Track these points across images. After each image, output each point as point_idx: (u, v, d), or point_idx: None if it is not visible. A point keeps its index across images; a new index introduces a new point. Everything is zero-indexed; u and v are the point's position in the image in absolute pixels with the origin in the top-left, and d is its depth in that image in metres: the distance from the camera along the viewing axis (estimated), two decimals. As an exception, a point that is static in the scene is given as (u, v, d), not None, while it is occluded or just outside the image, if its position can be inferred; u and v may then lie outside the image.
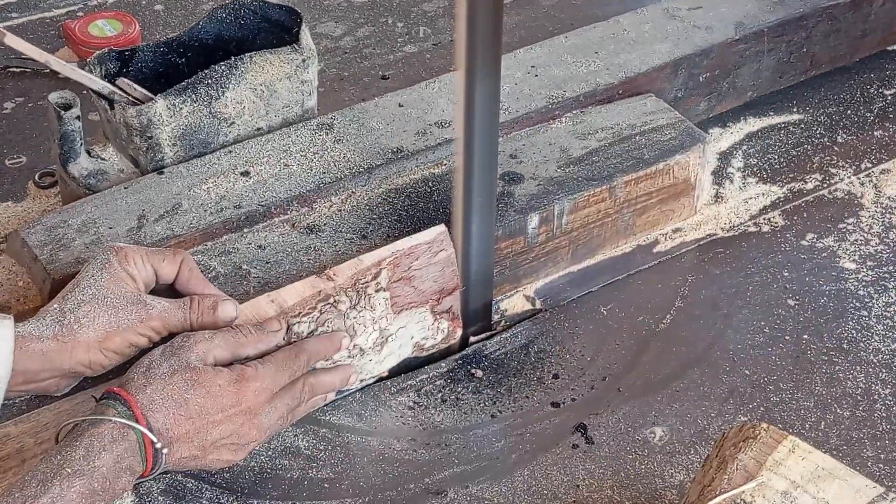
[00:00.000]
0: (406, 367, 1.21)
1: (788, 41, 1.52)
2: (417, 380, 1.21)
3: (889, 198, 1.43)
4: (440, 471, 1.14)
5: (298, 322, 1.09)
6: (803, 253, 1.36)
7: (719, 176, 1.45)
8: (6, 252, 1.27)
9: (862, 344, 1.26)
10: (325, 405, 1.17)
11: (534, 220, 1.26)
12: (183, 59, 1.33)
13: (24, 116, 1.51)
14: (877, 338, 1.27)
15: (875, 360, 1.24)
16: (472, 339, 1.25)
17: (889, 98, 1.57)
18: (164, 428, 0.98)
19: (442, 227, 1.17)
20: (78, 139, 1.27)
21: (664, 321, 1.29)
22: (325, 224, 1.25)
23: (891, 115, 1.54)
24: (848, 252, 1.36)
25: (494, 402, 1.20)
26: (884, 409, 1.19)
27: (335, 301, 1.11)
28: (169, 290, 1.09)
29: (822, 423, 1.18)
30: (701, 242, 1.38)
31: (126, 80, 1.27)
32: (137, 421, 0.97)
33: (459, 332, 1.22)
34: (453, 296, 1.18)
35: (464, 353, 1.24)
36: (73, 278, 1.05)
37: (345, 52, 1.63)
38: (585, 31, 1.49)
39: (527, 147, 1.34)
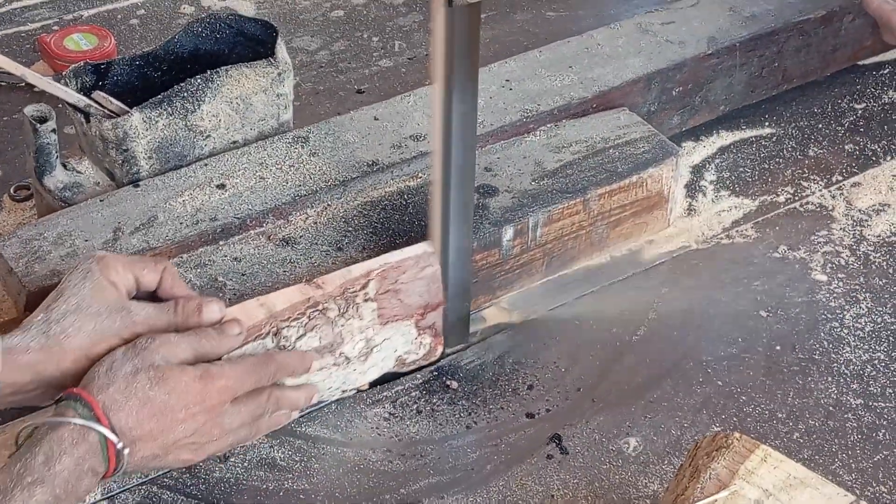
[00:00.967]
0: (382, 380, 1.21)
1: (760, 56, 1.53)
2: (393, 391, 1.22)
3: (860, 210, 1.45)
4: (416, 482, 1.14)
5: (287, 326, 1.09)
6: (775, 265, 1.38)
7: (692, 189, 1.47)
8: (-19, 265, 1.27)
9: (833, 355, 1.27)
10: (301, 416, 1.18)
11: (508, 233, 1.27)
12: (159, 73, 1.33)
13: (0, 130, 1.51)
14: (848, 349, 1.28)
15: (846, 371, 1.26)
16: (447, 350, 1.26)
17: (860, 112, 1.59)
18: (127, 427, 0.97)
19: (430, 244, 1.18)
20: (53, 152, 1.27)
21: (638, 332, 1.30)
22: (300, 236, 1.26)
23: (861, 129, 1.56)
24: (819, 264, 1.38)
25: (470, 413, 1.21)
26: (855, 420, 1.21)
27: (324, 308, 1.11)
28: (151, 298, 1.09)
29: (795, 433, 1.19)
30: (674, 255, 1.39)
31: (102, 93, 1.28)
32: (99, 421, 0.96)
33: (440, 349, 1.22)
34: (437, 312, 1.19)
35: (439, 364, 1.25)
36: (56, 288, 1.05)
37: (320, 67, 1.64)
38: (559, 45, 1.50)
39: (501, 160, 1.35)
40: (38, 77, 1.27)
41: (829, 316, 1.32)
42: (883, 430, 1.20)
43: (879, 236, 1.41)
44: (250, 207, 1.26)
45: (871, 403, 1.22)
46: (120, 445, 0.96)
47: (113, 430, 0.96)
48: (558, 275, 1.35)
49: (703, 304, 1.33)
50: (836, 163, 1.51)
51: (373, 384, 1.21)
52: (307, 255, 1.23)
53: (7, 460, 0.94)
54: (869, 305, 1.33)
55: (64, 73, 1.29)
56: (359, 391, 1.21)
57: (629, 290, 1.34)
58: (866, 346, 1.28)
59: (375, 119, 1.38)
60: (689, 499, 0.98)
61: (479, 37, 1.09)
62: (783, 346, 1.28)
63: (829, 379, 1.25)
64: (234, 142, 1.34)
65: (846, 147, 1.54)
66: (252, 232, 1.26)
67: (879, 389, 1.24)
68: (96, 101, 1.27)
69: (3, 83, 1.57)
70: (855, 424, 1.20)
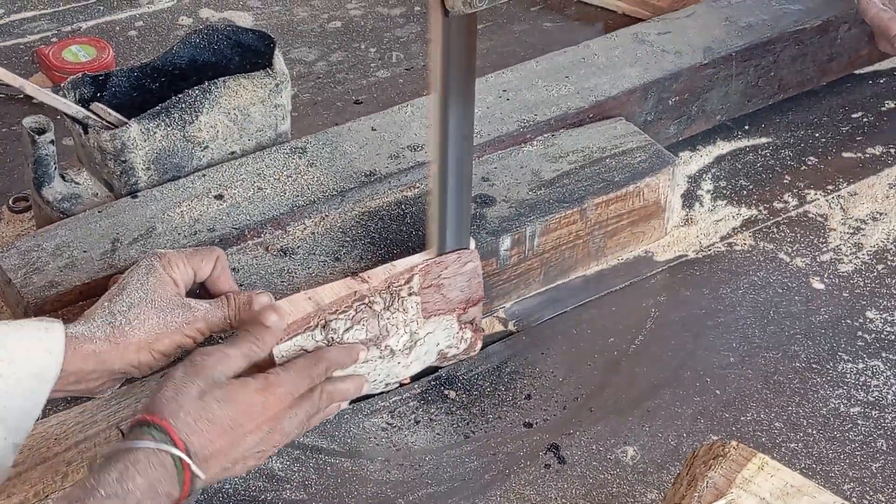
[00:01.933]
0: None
1: (756, 65, 1.54)
2: (391, 401, 1.22)
3: (857, 219, 1.45)
4: (413, 491, 1.14)
5: (335, 319, 1.12)
6: (773, 274, 1.38)
7: (689, 198, 1.47)
8: (-21, 276, 1.27)
9: (831, 363, 1.28)
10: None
11: (506, 242, 1.27)
12: (157, 84, 1.34)
13: (-2, 141, 1.52)
14: (845, 357, 1.28)
15: (844, 380, 1.26)
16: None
17: (856, 121, 1.59)
18: (201, 448, 0.99)
19: (471, 240, 1.21)
20: (52, 163, 1.28)
21: (635, 342, 1.30)
22: (298, 247, 1.26)
23: (858, 138, 1.57)
24: (817, 272, 1.38)
25: (467, 423, 1.21)
26: (852, 428, 1.21)
27: (370, 301, 1.14)
28: (200, 288, 1.13)
29: (793, 441, 1.19)
30: (671, 264, 1.39)
31: (100, 104, 1.28)
32: (176, 446, 0.97)
33: (480, 344, 1.24)
34: (477, 307, 1.22)
35: (437, 374, 1.25)
36: (117, 282, 1.08)
37: (318, 77, 1.64)
38: (556, 55, 1.50)
39: (499, 170, 1.36)
40: (36, 88, 1.27)
41: (826, 324, 1.32)
42: (881, 439, 1.20)
43: (876, 245, 1.42)
44: (248, 218, 1.27)
45: (869, 412, 1.22)
46: (195, 468, 0.98)
47: (188, 454, 0.98)
48: (556, 284, 1.35)
49: (700, 313, 1.33)
50: (832, 171, 1.52)
51: (413, 378, 1.23)
52: (305, 265, 1.24)
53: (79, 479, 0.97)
54: (866, 314, 1.33)
55: (63, 84, 1.29)
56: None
57: (627, 299, 1.35)
58: (864, 355, 1.28)
59: (373, 129, 1.38)
60: (687, 507, 0.98)
61: (475, 46, 1.10)
62: (781, 354, 1.28)
63: (828, 387, 1.25)
64: (232, 152, 1.34)
65: (843, 156, 1.54)
66: (250, 242, 1.26)
67: (877, 398, 1.24)
68: (94, 113, 1.27)
69: (1, 95, 1.57)
70: (852, 433, 1.20)
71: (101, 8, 1.74)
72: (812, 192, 1.49)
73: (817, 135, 1.57)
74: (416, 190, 1.32)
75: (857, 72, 1.66)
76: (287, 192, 1.30)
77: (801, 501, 0.98)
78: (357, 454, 1.17)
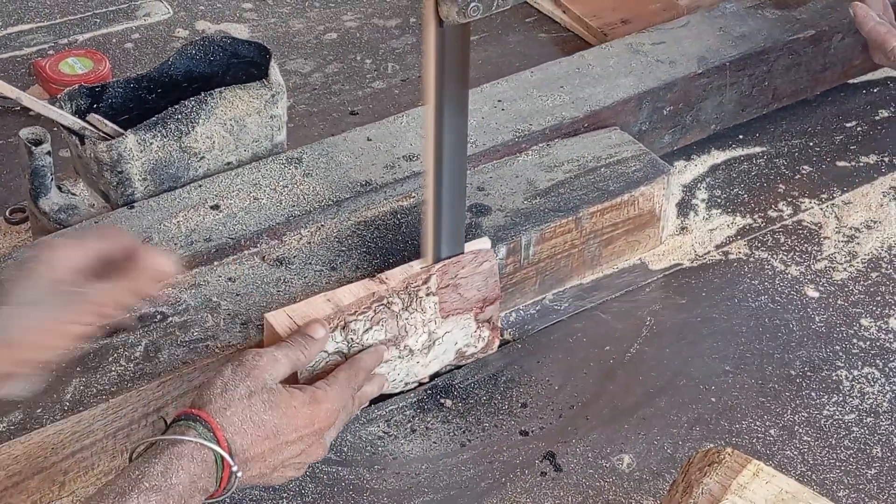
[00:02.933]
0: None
1: (750, 75, 1.54)
2: (387, 410, 1.22)
3: (851, 227, 1.46)
4: (410, 500, 1.14)
5: (355, 320, 1.14)
6: (767, 282, 1.38)
7: (684, 207, 1.47)
8: (-24, 287, 1.27)
9: (826, 371, 1.28)
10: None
11: (501, 252, 1.28)
12: (153, 95, 1.34)
13: (-5, 153, 1.52)
14: (840, 364, 1.29)
15: (840, 387, 1.26)
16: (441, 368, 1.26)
17: (849, 130, 1.60)
18: (242, 449, 1.01)
19: (487, 240, 1.23)
20: (48, 174, 1.28)
21: (631, 350, 1.30)
22: (294, 256, 1.26)
23: (852, 147, 1.57)
24: (811, 281, 1.39)
25: (464, 432, 1.21)
26: (847, 435, 1.21)
27: (388, 302, 1.16)
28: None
29: (787, 448, 1.20)
30: (667, 272, 1.39)
31: (96, 115, 1.29)
32: (219, 443, 0.99)
33: (497, 342, 1.26)
34: (494, 306, 1.23)
35: (433, 383, 1.25)
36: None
37: (314, 89, 1.65)
38: (551, 65, 1.51)
39: (494, 179, 1.36)
40: (33, 100, 1.27)
41: (821, 332, 1.32)
42: (876, 446, 1.20)
43: (870, 253, 1.42)
44: (244, 228, 1.27)
45: (864, 419, 1.23)
46: (235, 468, 0.99)
47: (230, 453, 0.99)
48: (551, 293, 1.35)
49: (695, 321, 1.34)
50: (826, 180, 1.52)
51: (431, 377, 1.25)
52: (301, 274, 1.24)
53: (123, 468, 0.98)
54: (861, 322, 1.33)
55: (59, 95, 1.30)
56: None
57: (622, 308, 1.35)
58: (859, 362, 1.29)
59: (368, 140, 1.39)
60: (682, 514, 0.98)
61: (469, 55, 1.10)
62: (776, 362, 1.29)
63: (823, 395, 1.25)
64: (228, 163, 1.34)
65: (837, 164, 1.55)
66: (246, 252, 1.26)
67: (872, 405, 1.24)
68: (91, 124, 1.28)
69: (-2, 107, 1.58)
70: (847, 440, 1.21)
71: (98, 20, 1.74)
72: (806, 200, 1.49)
73: (811, 144, 1.58)
74: (412, 200, 1.32)
75: (850, 81, 1.67)
76: (283, 202, 1.30)
77: (796, 507, 0.98)
78: (353, 463, 1.17)
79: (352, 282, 1.19)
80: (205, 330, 1.18)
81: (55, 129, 1.29)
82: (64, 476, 1.11)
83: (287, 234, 1.28)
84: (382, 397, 1.21)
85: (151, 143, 1.27)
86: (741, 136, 1.58)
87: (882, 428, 1.22)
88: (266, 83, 1.32)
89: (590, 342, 1.31)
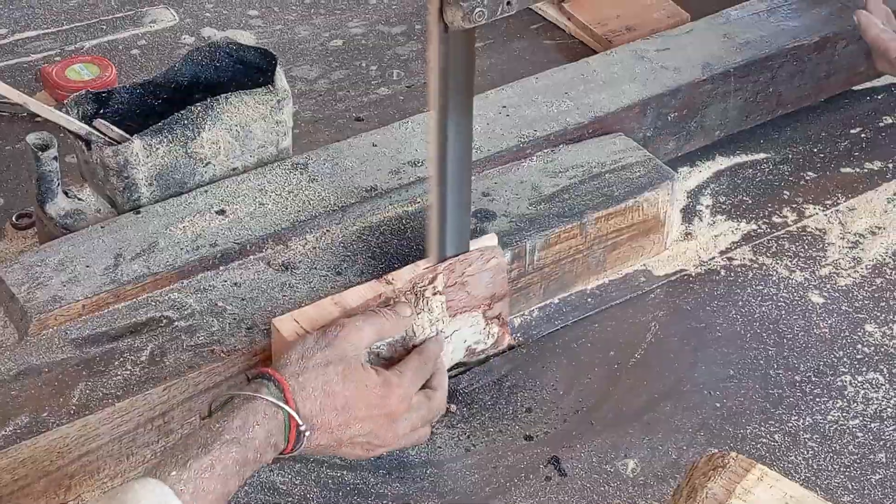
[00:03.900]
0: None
1: (754, 81, 1.54)
2: (392, 414, 1.22)
3: (855, 233, 1.46)
4: (415, 504, 1.15)
5: None
6: (772, 287, 1.38)
7: (688, 213, 1.48)
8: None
9: (830, 377, 1.28)
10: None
11: (506, 257, 1.28)
12: (159, 101, 1.35)
13: (2, 159, 1.52)
14: (844, 370, 1.29)
15: (844, 393, 1.26)
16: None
17: (854, 136, 1.60)
18: (310, 414, 1.04)
19: (493, 237, 1.24)
20: (55, 179, 1.28)
21: (635, 355, 1.30)
22: (299, 262, 1.27)
23: (856, 154, 1.57)
24: (816, 286, 1.39)
25: (468, 436, 1.21)
26: (851, 441, 1.21)
27: (395, 303, 1.16)
28: None
29: (792, 454, 1.20)
30: (671, 278, 1.40)
31: (103, 121, 1.29)
32: (287, 403, 1.03)
33: (508, 338, 1.26)
34: (503, 302, 1.23)
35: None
36: None
37: (319, 95, 1.65)
38: (555, 72, 1.51)
39: (499, 185, 1.36)
40: (39, 105, 1.28)
41: (825, 338, 1.32)
42: (881, 452, 1.20)
43: (874, 259, 1.42)
44: (250, 233, 1.27)
45: (868, 424, 1.23)
46: (303, 428, 1.03)
47: (298, 414, 1.03)
48: (556, 298, 1.36)
49: (699, 326, 1.34)
50: (831, 186, 1.52)
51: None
52: (306, 279, 1.24)
53: (204, 420, 1.03)
54: (865, 327, 1.34)
55: (66, 101, 1.30)
56: None
57: (626, 313, 1.35)
58: (863, 368, 1.29)
59: (374, 145, 1.39)
60: (687, 518, 0.98)
61: (474, 61, 1.11)
62: (780, 367, 1.29)
63: (827, 400, 1.25)
64: (234, 168, 1.35)
65: (841, 171, 1.55)
66: (252, 257, 1.27)
67: (877, 410, 1.24)
68: (97, 129, 1.28)
69: (5, 113, 1.58)
70: (852, 446, 1.21)
71: (104, 27, 1.75)
72: (811, 206, 1.49)
73: (815, 150, 1.58)
74: (417, 205, 1.33)
75: (854, 88, 1.67)
76: (289, 208, 1.31)
77: (801, 511, 0.98)
78: (358, 467, 1.17)
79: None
80: (210, 334, 1.18)
81: (62, 134, 1.30)
82: (70, 480, 1.11)
83: (292, 240, 1.29)
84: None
85: (157, 149, 1.28)
86: (745, 143, 1.58)
87: (886, 433, 1.22)
88: (272, 89, 1.33)
89: (594, 347, 1.31)
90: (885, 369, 1.29)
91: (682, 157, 1.54)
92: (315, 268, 1.26)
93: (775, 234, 1.46)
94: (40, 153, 1.26)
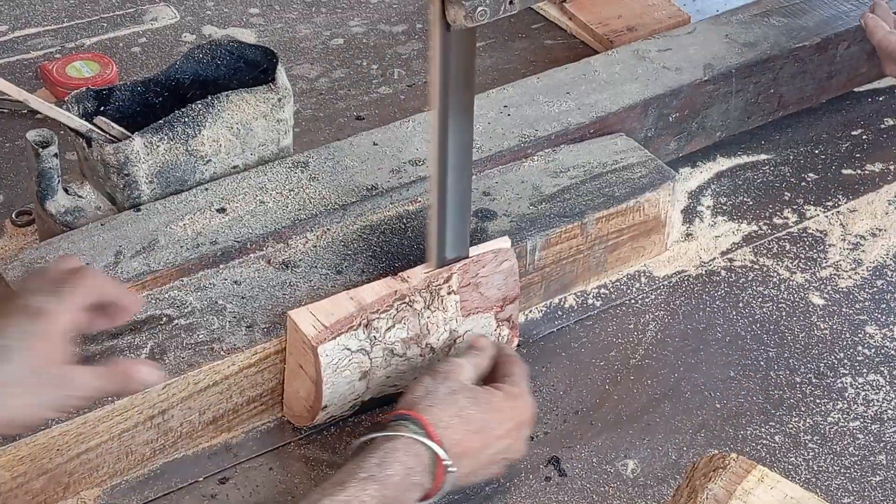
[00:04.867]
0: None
1: (756, 82, 1.54)
2: (392, 413, 1.22)
3: (856, 235, 1.46)
4: (414, 504, 1.14)
5: (377, 318, 1.15)
6: (772, 289, 1.38)
7: (689, 214, 1.48)
8: (-18, 288, 1.27)
9: (831, 378, 1.28)
10: (299, 438, 1.19)
11: (507, 256, 1.28)
12: (160, 98, 1.34)
13: (2, 156, 1.52)
14: (844, 371, 1.29)
15: (844, 395, 1.26)
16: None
17: (855, 138, 1.60)
18: (453, 443, 1.04)
19: (507, 239, 1.24)
20: (55, 177, 1.28)
21: (636, 356, 1.30)
22: (300, 260, 1.27)
23: (857, 155, 1.57)
24: (816, 288, 1.39)
25: (468, 436, 1.21)
26: (852, 442, 1.21)
27: (410, 300, 1.17)
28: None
29: (792, 455, 1.20)
30: (672, 279, 1.39)
31: (103, 118, 1.29)
32: (430, 437, 1.03)
33: (517, 341, 1.26)
34: (514, 305, 1.24)
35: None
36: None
37: (320, 94, 1.65)
38: (557, 71, 1.51)
39: (499, 185, 1.36)
40: (40, 102, 1.28)
41: (826, 339, 1.32)
42: (881, 453, 1.20)
43: (875, 260, 1.42)
44: (250, 231, 1.27)
45: (869, 426, 1.23)
46: (448, 462, 1.03)
47: (442, 447, 1.03)
48: (556, 298, 1.36)
49: (700, 327, 1.34)
50: (832, 188, 1.52)
51: None
52: (307, 278, 1.24)
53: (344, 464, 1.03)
54: (866, 329, 1.33)
55: (66, 98, 1.30)
56: (357, 412, 1.21)
57: (627, 314, 1.35)
58: (864, 370, 1.29)
59: (375, 144, 1.39)
60: (687, 519, 0.98)
61: (475, 60, 1.10)
62: (781, 369, 1.29)
63: (827, 402, 1.25)
64: (235, 166, 1.35)
65: (842, 172, 1.55)
66: (252, 255, 1.27)
67: (877, 412, 1.24)
68: (98, 127, 1.28)
69: (5, 110, 1.58)
70: (853, 447, 1.21)
71: (105, 25, 1.75)
72: (812, 208, 1.49)
73: (817, 151, 1.58)
74: (418, 204, 1.33)
75: (856, 89, 1.67)
76: (289, 206, 1.30)
77: (801, 513, 0.98)
78: (358, 466, 1.17)
79: (357, 285, 1.19)
80: (210, 332, 1.18)
81: (62, 131, 1.30)
82: (69, 477, 1.11)
83: (293, 238, 1.28)
84: (388, 400, 1.20)
85: (158, 146, 1.28)
86: (747, 144, 1.58)
87: (887, 435, 1.22)
88: (273, 87, 1.32)
89: (594, 348, 1.31)
90: (885, 371, 1.29)
91: (683, 158, 1.54)
92: (315, 266, 1.26)
93: (776, 235, 1.46)
94: (40, 150, 1.26)
